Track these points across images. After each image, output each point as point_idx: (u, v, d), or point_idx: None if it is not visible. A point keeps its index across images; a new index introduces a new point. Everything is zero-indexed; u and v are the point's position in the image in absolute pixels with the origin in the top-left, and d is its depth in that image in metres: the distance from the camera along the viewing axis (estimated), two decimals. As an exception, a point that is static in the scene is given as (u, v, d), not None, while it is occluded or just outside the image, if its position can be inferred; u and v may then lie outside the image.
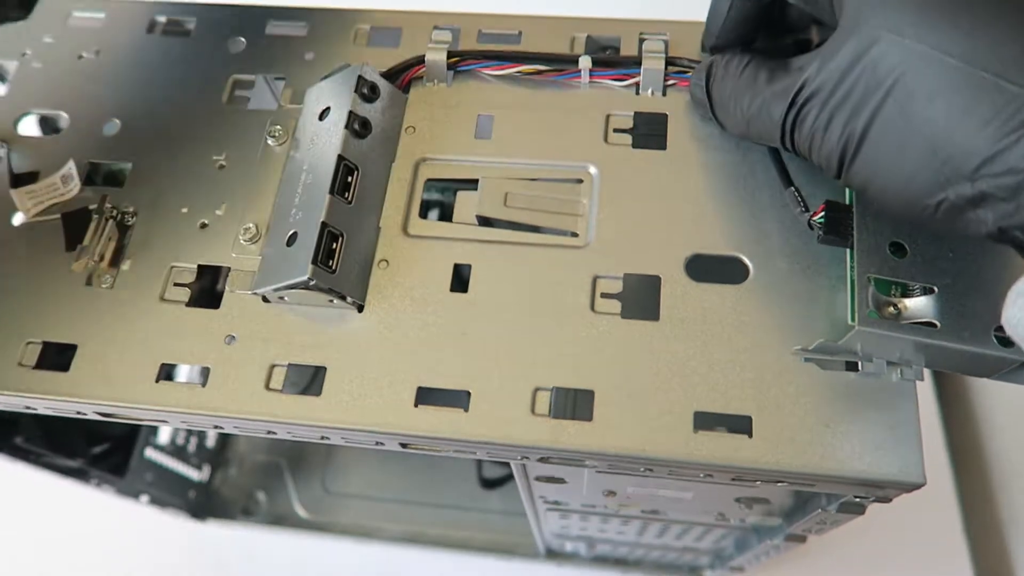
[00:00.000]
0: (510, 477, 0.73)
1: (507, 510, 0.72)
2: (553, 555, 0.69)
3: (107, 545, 0.75)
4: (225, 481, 0.77)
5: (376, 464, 0.77)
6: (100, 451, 0.57)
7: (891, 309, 0.28)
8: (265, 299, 0.33)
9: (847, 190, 0.30)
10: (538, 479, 0.40)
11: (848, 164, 0.27)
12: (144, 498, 0.65)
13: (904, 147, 0.25)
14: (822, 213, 0.30)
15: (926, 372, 0.67)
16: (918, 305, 0.28)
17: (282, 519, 0.75)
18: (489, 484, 0.74)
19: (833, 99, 0.26)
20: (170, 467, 0.70)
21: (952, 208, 0.25)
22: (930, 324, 0.27)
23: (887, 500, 0.31)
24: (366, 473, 0.76)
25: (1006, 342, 0.27)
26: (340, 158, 0.33)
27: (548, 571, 0.70)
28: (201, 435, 0.76)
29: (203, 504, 0.75)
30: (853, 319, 0.28)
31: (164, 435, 0.69)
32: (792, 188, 0.32)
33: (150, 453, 0.66)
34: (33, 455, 0.50)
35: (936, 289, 0.28)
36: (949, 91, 0.24)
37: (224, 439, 0.78)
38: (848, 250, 0.29)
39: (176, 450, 0.70)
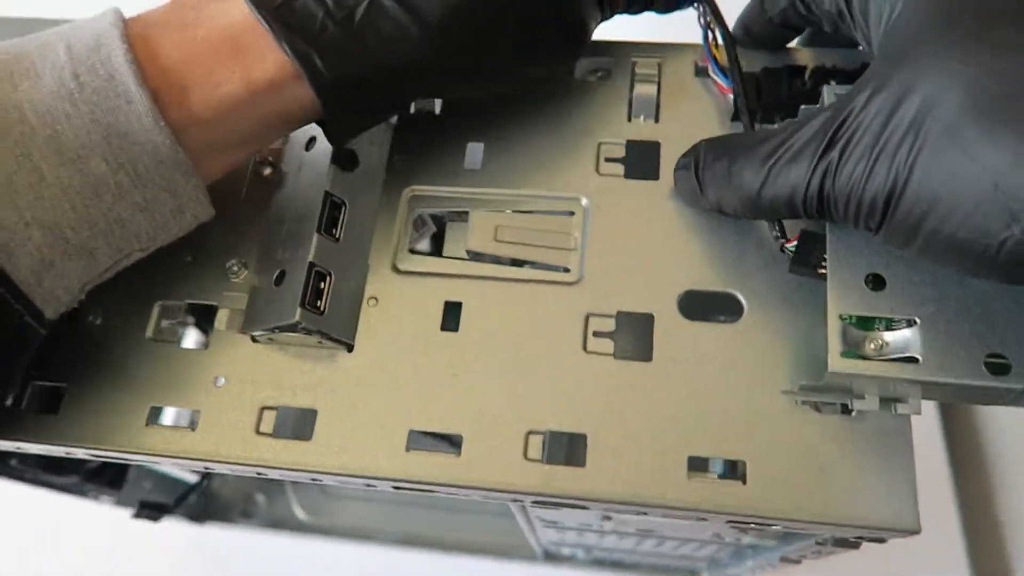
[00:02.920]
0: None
1: (505, 512, 0.72)
2: (550, 557, 0.69)
3: (106, 547, 0.75)
4: (224, 484, 0.77)
5: (374, 466, 0.77)
6: (95, 466, 0.57)
7: (872, 345, 0.27)
8: (254, 339, 0.33)
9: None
10: (535, 503, 0.40)
11: (893, 209, 0.25)
12: (143, 505, 0.65)
13: (959, 182, 0.23)
14: (795, 242, 0.30)
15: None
16: (899, 339, 0.27)
17: (281, 521, 0.75)
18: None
19: (883, 135, 0.24)
20: (168, 472, 0.70)
21: (1018, 247, 0.23)
22: (912, 359, 0.26)
23: (882, 541, 0.31)
24: (364, 475, 0.77)
25: (998, 369, 0.26)
26: (327, 194, 0.33)
27: (546, 573, 0.71)
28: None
29: (202, 507, 0.75)
30: (829, 360, 0.27)
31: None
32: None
33: (147, 461, 0.66)
34: (28, 474, 0.50)
35: (918, 320, 0.27)
36: (1015, 119, 0.22)
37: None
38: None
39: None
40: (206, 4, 0.29)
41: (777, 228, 0.31)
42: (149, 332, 0.34)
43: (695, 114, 0.35)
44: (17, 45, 0.28)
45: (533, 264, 0.34)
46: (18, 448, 0.34)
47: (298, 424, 0.32)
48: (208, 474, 0.74)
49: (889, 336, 0.27)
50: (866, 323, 0.27)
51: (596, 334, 0.32)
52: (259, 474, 0.33)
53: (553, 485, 0.29)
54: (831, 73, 0.34)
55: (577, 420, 0.30)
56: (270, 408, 0.32)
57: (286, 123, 0.31)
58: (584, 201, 0.34)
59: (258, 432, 0.31)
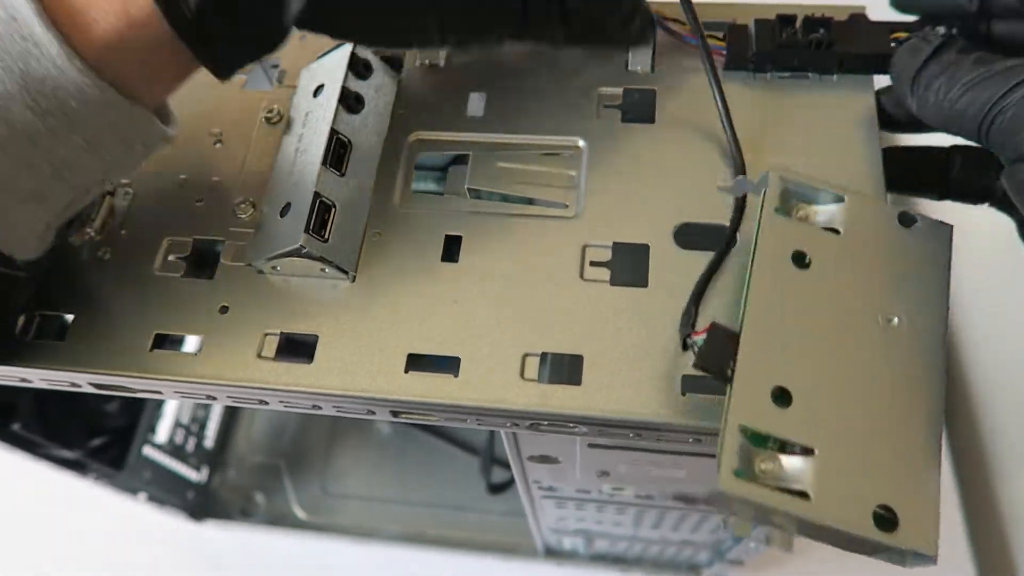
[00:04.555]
0: (512, 482, 0.73)
1: (506, 510, 0.72)
2: (552, 554, 0.69)
3: (106, 546, 0.75)
4: (224, 482, 0.77)
5: (375, 465, 0.77)
6: (98, 444, 0.57)
7: (763, 465, 0.25)
8: (259, 270, 0.34)
9: (744, 311, 0.28)
10: (531, 459, 0.40)
11: None
12: (142, 496, 0.65)
13: None
14: (703, 335, 0.27)
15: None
16: (794, 467, 0.25)
17: (280, 520, 0.75)
18: (495, 489, 0.73)
19: None
20: (168, 466, 0.70)
21: None
22: (803, 494, 0.25)
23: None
24: (365, 474, 0.76)
25: (884, 523, 0.24)
26: (333, 131, 0.34)
27: (548, 571, 0.70)
28: (200, 435, 0.76)
29: (201, 505, 0.75)
30: (720, 476, 0.25)
31: (163, 434, 0.70)
32: (693, 307, 0.30)
33: (148, 451, 0.66)
34: (30, 444, 0.50)
35: (816, 451, 0.25)
36: None
37: (222, 440, 0.78)
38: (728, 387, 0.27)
39: (174, 449, 0.70)
40: None
41: (690, 321, 0.29)
42: (156, 265, 0.34)
43: (689, 63, 0.36)
44: None
45: (532, 202, 0.34)
46: (23, 380, 0.35)
47: (300, 349, 0.33)
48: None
49: (784, 460, 0.26)
50: (760, 439, 0.26)
51: (593, 263, 0.32)
52: (261, 402, 0.33)
53: (550, 403, 0.30)
54: (822, 22, 0.35)
55: (574, 342, 0.31)
56: (272, 334, 0.32)
57: None
58: (582, 143, 0.35)
59: (260, 356, 0.32)
